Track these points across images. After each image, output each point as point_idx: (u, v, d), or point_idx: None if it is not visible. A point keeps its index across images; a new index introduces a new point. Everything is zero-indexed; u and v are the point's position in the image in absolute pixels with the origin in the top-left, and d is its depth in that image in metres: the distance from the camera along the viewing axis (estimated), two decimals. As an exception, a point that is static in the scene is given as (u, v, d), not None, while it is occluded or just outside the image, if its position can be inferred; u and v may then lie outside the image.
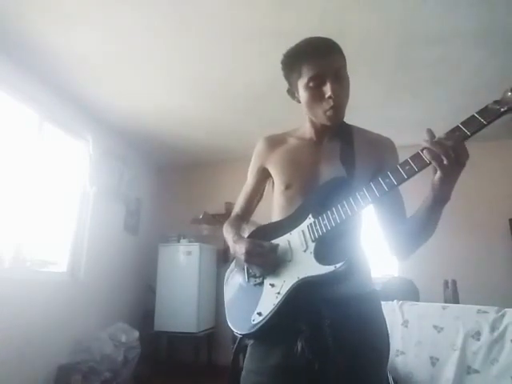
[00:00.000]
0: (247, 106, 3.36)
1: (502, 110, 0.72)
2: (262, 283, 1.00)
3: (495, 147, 3.77)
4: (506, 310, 1.71)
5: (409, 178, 0.79)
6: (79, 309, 3.22)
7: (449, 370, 1.62)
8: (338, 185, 0.97)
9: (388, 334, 1.00)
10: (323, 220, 0.92)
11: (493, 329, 1.63)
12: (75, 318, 3.14)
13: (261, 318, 0.93)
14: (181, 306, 3.84)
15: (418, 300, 2.63)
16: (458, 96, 3.08)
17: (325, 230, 0.91)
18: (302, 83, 1.00)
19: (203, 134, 3.96)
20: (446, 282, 2.94)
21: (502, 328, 1.62)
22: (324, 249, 0.93)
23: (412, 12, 2.21)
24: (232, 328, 1.02)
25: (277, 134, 1.20)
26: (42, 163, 2.98)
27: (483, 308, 1.76)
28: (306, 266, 0.92)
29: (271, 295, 0.95)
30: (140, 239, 4.35)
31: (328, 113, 0.98)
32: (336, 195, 0.93)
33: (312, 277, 0.89)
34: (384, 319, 1.02)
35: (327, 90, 0.95)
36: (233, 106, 3.29)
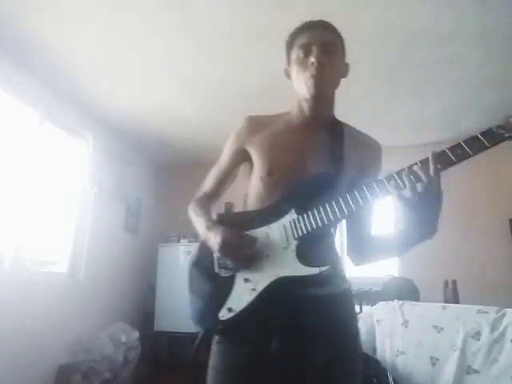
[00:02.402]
0: (247, 106, 3.34)
1: (507, 135, 0.73)
2: (233, 276, 0.92)
3: (495, 147, 3.77)
4: (506, 309, 1.71)
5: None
6: (79, 309, 3.22)
7: (449, 370, 1.62)
8: (326, 181, 0.93)
9: (358, 333, 0.99)
10: (308, 218, 0.87)
11: (493, 329, 1.63)
12: (75, 318, 3.14)
13: (231, 314, 0.87)
14: (181, 306, 3.83)
15: (418, 300, 2.63)
16: (458, 96, 3.08)
17: (310, 229, 0.87)
18: (293, 57, 1.00)
19: (203, 134, 3.96)
20: (446, 282, 2.95)
21: (502, 328, 1.62)
22: (307, 248, 0.88)
23: (412, 12, 2.21)
24: (195, 323, 0.96)
25: (262, 115, 1.11)
26: (42, 163, 2.98)
27: (483, 308, 1.76)
28: (286, 265, 0.87)
29: (245, 290, 0.89)
30: (140, 239, 4.35)
31: (309, 82, 0.94)
32: (322, 192, 0.90)
33: (294, 277, 0.86)
34: (356, 318, 1.02)
35: (311, 56, 0.95)
36: (233, 106, 3.29)
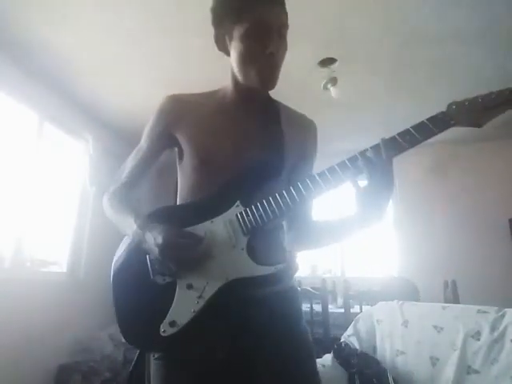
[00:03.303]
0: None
1: (452, 122, 0.74)
2: (172, 282, 0.79)
3: (495, 147, 3.78)
4: (506, 310, 1.70)
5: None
6: (79, 309, 3.22)
7: (449, 370, 1.62)
8: (270, 168, 0.84)
9: (308, 331, 0.91)
10: (258, 210, 0.78)
11: (493, 329, 1.63)
12: (75, 317, 3.14)
13: (174, 328, 0.74)
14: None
15: (418, 300, 2.63)
16: (458, 96, 3.05)
17: (260, 223, 0.77)
18: (239, 31, 0.82)
19: (203, 134, 3.96)
20: (446, 282, 2.94)
21: (501, 328, 1.62)
22: (258, 245, 0.79)
23: (412, 12, 2.21)
24: (129, 342, 0.80)
25: (187, 94, 0.96)
26: (42, 163, 2.98)
27: (483, 308, 1.76)
28: (236, 265, 0.77)
29: (189, 299, 0.76)
30: (140, 239, 4.35)
31: (264, 72, 0.83)
32: (267, 181, 0.82)
33: (247, 278, 0.76)
34: (302, 316, 0.92)
35: (270, 44, 0.80)
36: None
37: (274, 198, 0.77)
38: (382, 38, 2.43)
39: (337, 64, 2.61)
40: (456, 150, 3.87)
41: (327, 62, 2.60)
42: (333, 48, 2.47)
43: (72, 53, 2.64)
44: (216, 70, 2.81)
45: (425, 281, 3.19)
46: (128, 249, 0.87)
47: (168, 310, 0.76)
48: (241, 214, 0.79)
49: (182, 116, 0.91)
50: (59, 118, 3.17)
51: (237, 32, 0.83)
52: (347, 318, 2.42)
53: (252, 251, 0.78)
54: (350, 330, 1.99)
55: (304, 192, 0.76)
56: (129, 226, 0.84)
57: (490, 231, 3.64)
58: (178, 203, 0.94)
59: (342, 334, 1.99)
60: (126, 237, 0.91)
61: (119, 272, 0.88)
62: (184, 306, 0.76)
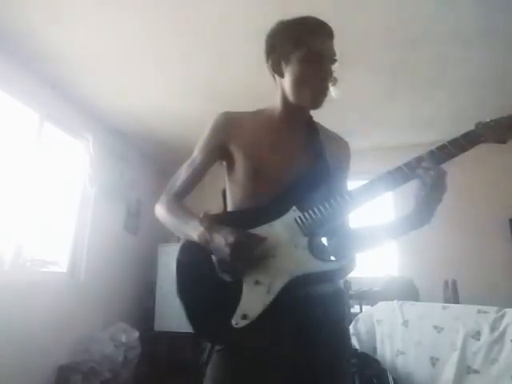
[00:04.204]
0: (247, 107, 3.35)
1: (482, 139, 0.86)
2: (239, 280, 0.86)
3: (495, 147, 3.77)
4: (505, 310, 1.71)
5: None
6: (79, 309, 3.22)
7: (449, 370, 1.62)
8: (320, 177, 0.94)
9: (349, 330, 1.06)
10: (315, 214, 0.87)
11: (493, 329, 1.63)
12: (75, 318, 3.14)
13: (246, 321, 0.81)
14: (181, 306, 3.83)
15: (417, 300, 2.63)
16: (458, 96, 3.08)
17: (319, 225, 0.87)
18: (299, 54, 0.95)
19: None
20: (446, 282, 2.95)
21: (502, 328, 1.62)
22: (320, 244, 0.90)
23: (412, 12, 2.21)
24: (200, 335, 0.89)
25: (238, 112, 1.07)
26: (42, 163, 2.98)
27: (483, 308, 1.76)
28: (300, 263, 0.85)
29: (258, 294, 0.83)
30: (140, 239, 4.35)
31: (316, 94, 0.96)
32: (317, 187, 0.92)
33: (314, 274, 0.84)
34: (347, 316, 1.04)
35: (323, 70, 0.95)
36: (233, 106, 3.27)
37: (331, 203, 0.87)
38: (382, 38, 2.43)
39: (336, 64, 2.61)
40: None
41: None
42: (333, 48, 2.48)
43: (72, 52, 2.64)
44: (216, 69, 2.83)
45: (425, 281, 3.19)
46: (190, 248, 0.94)
47: (236, 305, 0.83)
48: (299, 217, 0.88)
49: (235, 131, 1.01)
50: (60, 118, 3.17)
51: (295, 57, 0.96)
52: (347, 318, 2.42)
53: (313, 249, 0.86)
54: (349, 330, 1.99)
55: (358, 197, 0.86)
56: (193, 228, 0.90)
57: (490, 231, 3.64)
58: (230, 209, 1.03)
59: (342, 334, 1.99)
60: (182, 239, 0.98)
61: (184, 270, 0.94)
62: (254, 301, 0.83)
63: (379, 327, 1.96)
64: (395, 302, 2.04)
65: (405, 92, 3.10)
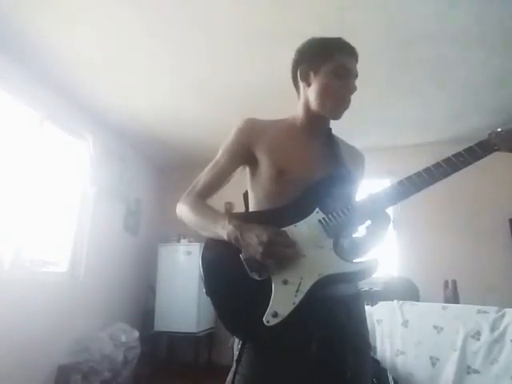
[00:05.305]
0: (248, 107, 3.35)
1: (496, 148, 0.87)
2: (268, 279, 0.86)
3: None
4: (505, 309, 1.71)
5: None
6: (79, 309, 3.22)
7: (449, 370, 1.62)
8: (342, 181, 0.96)
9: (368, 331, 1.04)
10: (339, 216, 0.88)
11: (493, 329, 1.63)
12: (75, 317, 3.14)
13: (278, 319, 0.82)
14: (181, 306, 3.84)
15: (418, 300, 2.63)
16: (458, 96, 3.08)
17: (344, 227, 0.89)
18: (328, 67, 1.01)
19: (203, 134, 3.96)
20: (446, 282, 2.94)
21: (502, 328, 1.62)
22: (344, 245, 0.92)
23: (412, 12, 2.21)
24: (233, 332, 0.90)
25: (260, 119, 1.11)
26: (43, 163, 2.98)
27: (483, 308, 1.76)
28: (328, 263, 0.86)
29: (287, 293, 0.84)
30: (140, 239, 4.35)
31: (339, 105, 1.02)
32: (340, 192, 0.94)
33: (340, 274, 0.85)
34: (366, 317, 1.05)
35: (348, 84, 1.01)
36: (233, 106, 3.29)
37: (354, 207, 0.89)
38: (382, 38, 2.43)
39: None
40: (456, 150, 3.86)
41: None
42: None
43: (72, 52, 2.64)
44: (216, 69, 2.83)
45: (425, 281, 3.19)
46: (216, 246, 0.95)
47: (266, 303, 0.84)
48: (324, 219, 0.89)
49: (259, 135, 1.05)
50: (60, 118, 3.17)
51: (324, 69, 1.01)
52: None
53: (338, 250, 0.88)
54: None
55: (379, 203, 0.89)
56: (222, 227, 0.91)
57: (490, 231, 3.64)
58: (253, 210, 1.05)
59: (342, 334, 1.99)
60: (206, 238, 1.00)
61: (211, 269, 0.95)
62: (284, 299, 0.83)
63: (379, 327, 1.96)
64: (395, 301, 2.04)
65: (404, 92, 3.09)
